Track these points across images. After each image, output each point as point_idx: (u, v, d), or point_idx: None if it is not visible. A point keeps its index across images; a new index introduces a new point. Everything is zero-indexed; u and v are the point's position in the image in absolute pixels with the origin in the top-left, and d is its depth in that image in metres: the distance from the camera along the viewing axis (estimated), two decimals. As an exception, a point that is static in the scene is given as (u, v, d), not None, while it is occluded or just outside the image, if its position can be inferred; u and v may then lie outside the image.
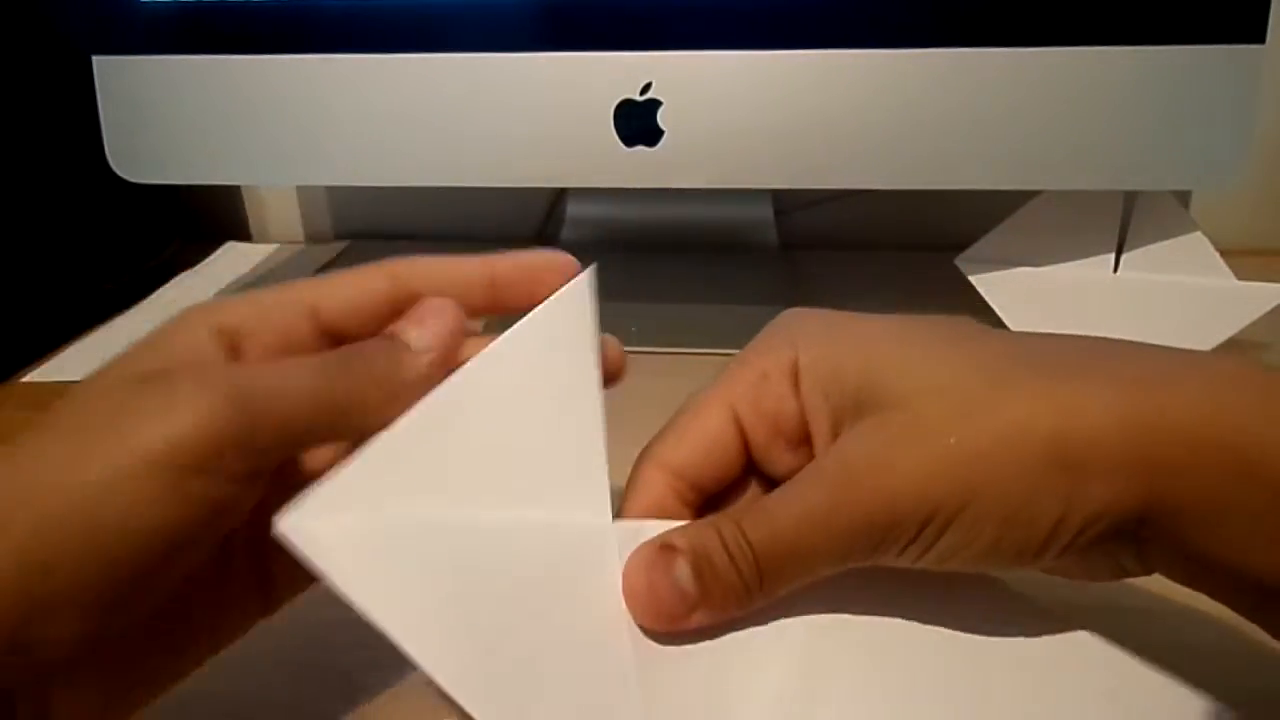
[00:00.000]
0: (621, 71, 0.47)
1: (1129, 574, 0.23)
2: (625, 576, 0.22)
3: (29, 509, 0.18)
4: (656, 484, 0.24)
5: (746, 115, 0.47)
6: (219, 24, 0.49)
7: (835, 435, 0.23)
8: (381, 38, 0.47)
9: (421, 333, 0.23)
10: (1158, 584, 0.28)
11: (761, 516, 0.22)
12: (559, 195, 0.65)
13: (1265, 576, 0.20)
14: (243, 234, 0.73)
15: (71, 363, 0.52)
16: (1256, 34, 0.42)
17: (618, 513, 0.24)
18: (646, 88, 0.47)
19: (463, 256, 0.25)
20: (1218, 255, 0.48)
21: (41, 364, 0.51)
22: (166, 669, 0.22)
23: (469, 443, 0.22)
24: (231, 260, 0.67)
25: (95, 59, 0.50)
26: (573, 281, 0.24)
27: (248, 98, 0.49)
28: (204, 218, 0.70)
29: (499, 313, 0.26)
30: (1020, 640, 0.23)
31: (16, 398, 0.48)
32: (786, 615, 0.23)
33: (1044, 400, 0.20)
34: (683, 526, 0.23)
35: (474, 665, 0.20)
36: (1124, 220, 0.50)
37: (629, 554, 0.23)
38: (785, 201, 0.63)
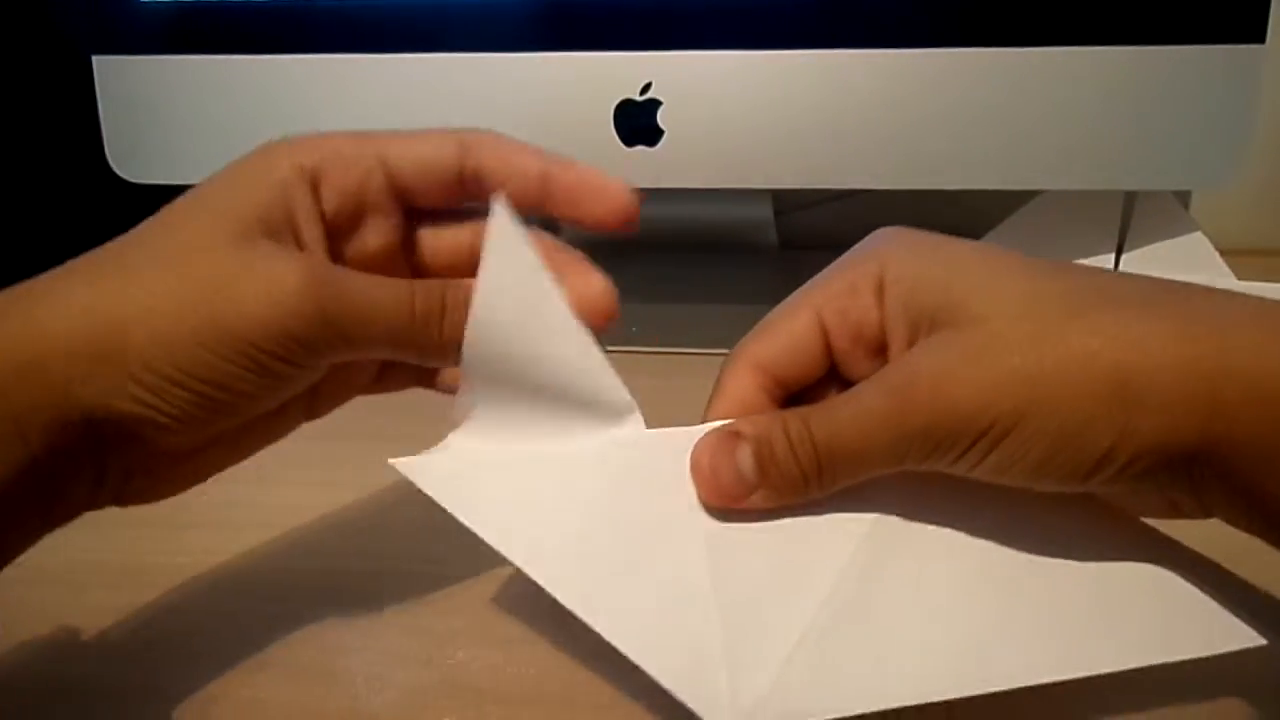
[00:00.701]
0: (621, 71, 0.47)
1: (1183, 513, 0.24)
2: (693, 456, 0.24)
3: (134, 339, 0.21)
4: (745, 378, 0.26)
5: (746, 115, 0.47)
6: (219, 24, 0.49)
7: (909, 346, 0.24)
8: (381, 38, 0.47)
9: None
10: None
11: (827, 414, 0.23)
12: (559, 195, 0.65)
13: None
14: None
15: (71, 363, 0.51)
16: (1256, 34, 0.42)
17: (706, 403, 0.26)
18: (646, 88, 0.47)
19: (526, 147, 0.26)
20: (1218, 255, 0.48)
21: (41, 364, 0.51)
22: (221, 459, 0.26)
23: (504, 396, 0.25)
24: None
25: (95, 59, 0.50)
26: (491, 224, 0.24)
27: (248, 98, 0.49)
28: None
29: (542, 213, 0.26)
30: (1080, 552, 0.24)
31: (16, 398, 0.48)
32: (853, 510, 0.25)
33: (1112, 333, 0.21)
34: (751, 417, 0.24)
35: (561, 562, 0.24)
36: (1124, 220, 0.50)
37: (697, 439, 0.25)
38: (785, 201, 0.63)
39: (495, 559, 0.32)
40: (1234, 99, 0.43)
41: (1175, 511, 0.24)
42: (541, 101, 0.47)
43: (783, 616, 0.24)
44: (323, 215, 0.25)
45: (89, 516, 0.24)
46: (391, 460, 0.24)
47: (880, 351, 0.25)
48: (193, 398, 0.22)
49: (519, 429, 0.26)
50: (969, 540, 0.25)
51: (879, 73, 0.45)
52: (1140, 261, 0.49)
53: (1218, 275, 0.48)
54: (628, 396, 0.26)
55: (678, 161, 0.48)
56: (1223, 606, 0.24)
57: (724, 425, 0.25)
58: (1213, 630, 0.24)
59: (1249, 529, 0.22)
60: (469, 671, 0.28)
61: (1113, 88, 0.43)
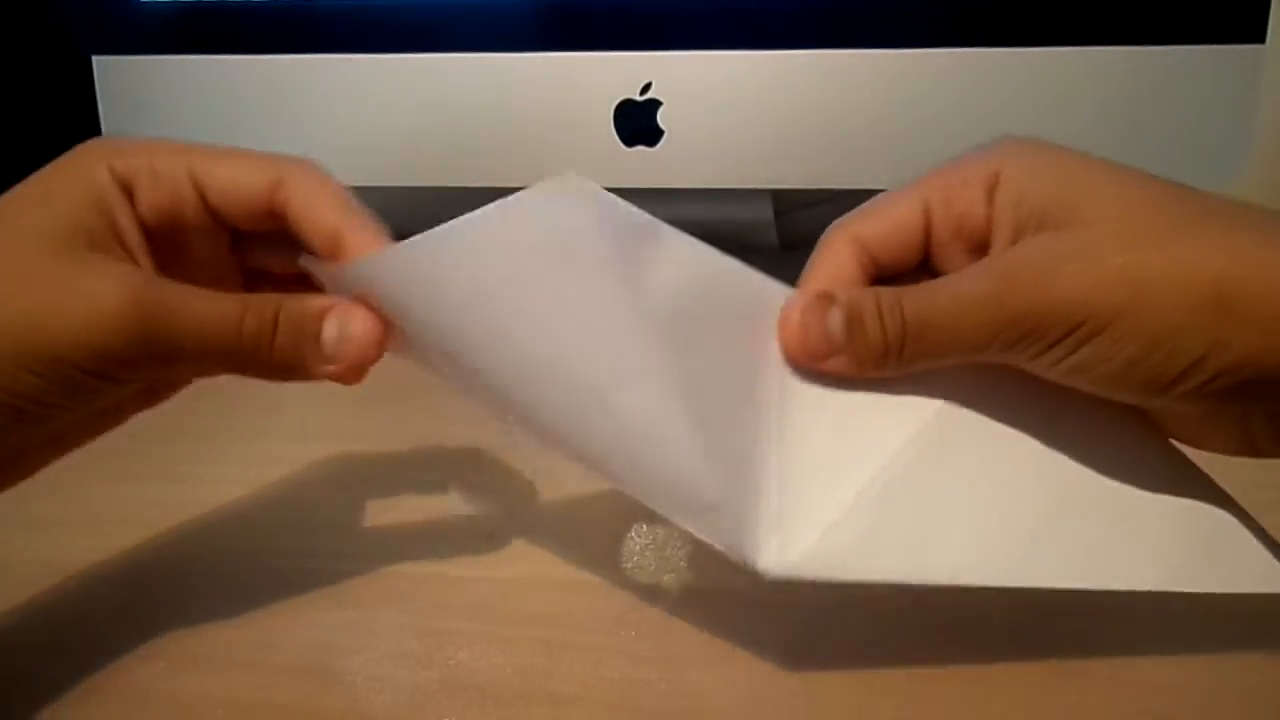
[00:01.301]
0: (621, 71, 0.47)
1: (1258, 449, 0.24)
2: (784, 311, 0.25)
3: None
4: (843, 250, 0.26)
5: (746, 115, 0.47)
6: (219, 24, 0.49)
7: (1015, 244, 0.24)
8: (381, 38, 0.48)
9: (338, 338, 0.24)
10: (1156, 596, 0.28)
11: (922, 292, 0.24)
12: (559, 195, 0.65)
13: None
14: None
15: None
16: (1256, 34, 0.42)
17: (805, 270, 0.26)
18: (646, 88, 0.47)
19: (334, 195, 0.25)
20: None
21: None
22: (45, 455, 0.25)
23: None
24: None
25: (95, 59, 0.50)
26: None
27: (248, 98, 0.49)
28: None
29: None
30: (1134, 475, 0.25)
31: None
32: (924, 394, 0.25)
33: (1219, 245, 0.21)
34: (847, 286, 0.25)
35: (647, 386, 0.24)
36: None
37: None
38: (785, 201, 0.63)
39: (495, 559, 0.32)
40: (1234, 99, 0.43)
41: (1250, 446, 0.24)
42: (541, 101, 0.47)
43: (841, 476, 0.24)
44: (142, 223, 0.24)
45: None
46: None
47: (979, 248, 0.25)
48: (5, 413, 0.21)
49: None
50: (1031, 442, 0.25)
51: (879, 73, 0.45)
52: (1140, 261, 0.49)
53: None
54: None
55: (678, 161, 0.48)
56: (1261, 551, 0.25)
57: (816, 287, 0.25)
58: (1248, 570, 0.25)
59: None
60: (469, 671, 0.28)
61: (1113, 88, 0.43)
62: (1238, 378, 0.21)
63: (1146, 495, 0.25)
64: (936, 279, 0.24)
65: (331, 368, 0.24)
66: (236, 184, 0.25)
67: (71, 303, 0.21)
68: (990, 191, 0.24)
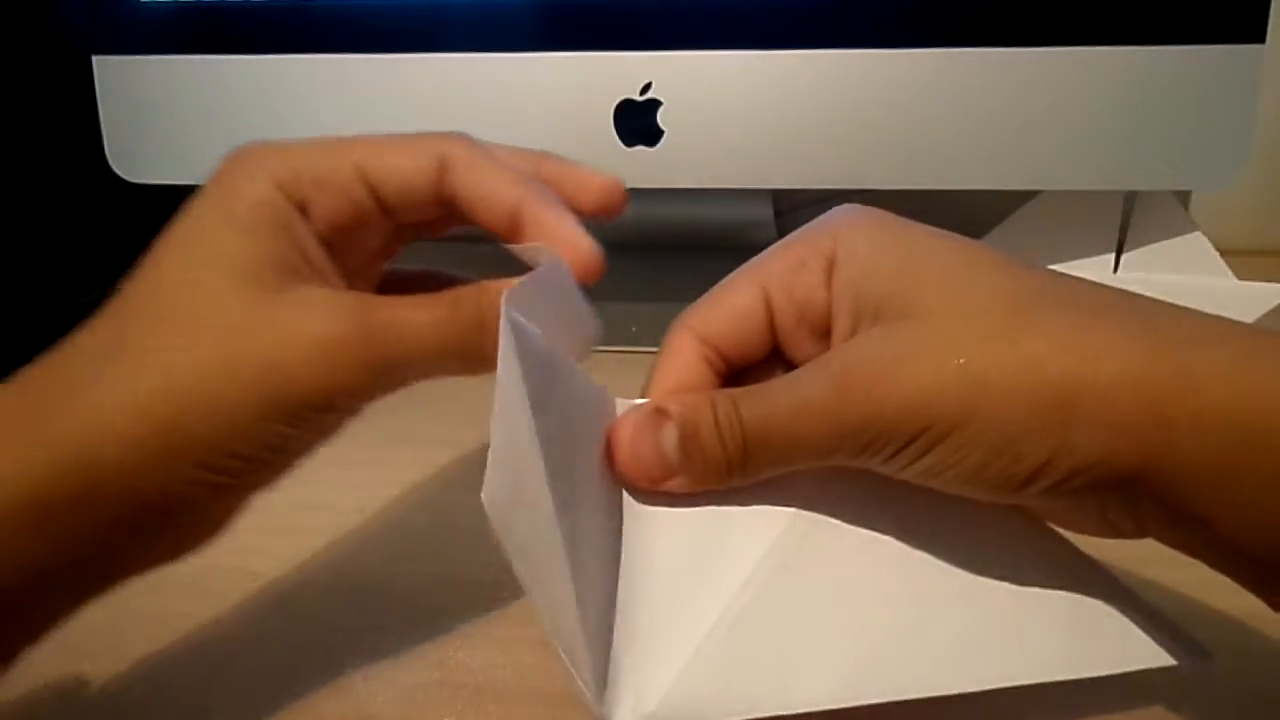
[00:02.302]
0: (621, 71, 0.47)
1: (1120, 532, 0.22)
2: (613, 432, 0.23)
3: (195, 428, 0.20)
4: (687, 348, 0.24)
5: (746, 115, 0.47)
6: (219, 24, 0.49)
7: (854, 333, 0.23)
8: (381, 38, 0.47)
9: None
10: (1139, 588, 0.28)
11: (759, 399, 0.22)
12: (559, 195, 0.65)
13: (1265, 552, 0.20)
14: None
15: (71, 363, 0.51)
16: (1256, 34, 0.42)
17: (649, 372, 0.25)
18: (646, 88, 0.47)
19: (505, 170, 0.24)
20: (1218, 255, 0.48)
21: (41, 364, 0.51)
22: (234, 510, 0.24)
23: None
24: (231, 260, 0.67)
25: (95, 59, 0.50)
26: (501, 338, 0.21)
27: (248, 98, 0.49)
28: (204, 218, 0.70)
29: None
30: (1003, 565, 0.24)
31: (16, 398, 0.48)
32: (774, 502, 0.23)
33: (1065, 342, 0.20)
34: (680, 395, 0.23)
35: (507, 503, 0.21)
36: (1124, 220, 0.50)
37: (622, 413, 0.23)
38: (785, 201, 0.63)
39: (496, 559, 0.32)
40: (1234, 99, 0.43)
41: (1113, 530, 0.23)
42: (541, 101, 0.47)
43: (692, 610, 0.23)
44: (320, 237, 0.24)
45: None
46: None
47: (825, 334, 0.24)
48: (250, 466, 0.21)
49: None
50: (892, 543, 0.24)
51: (879, 73, 0.45)
52: (1140, 261, 0.49)
53: (1218, 275, 0.48)
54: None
55: (678, 161, 0.48)
56: (1141, 627, 0.23)
57: (649, 403, 0.23)
58: (1130, 648, 0.23)
59: (1186, 551, 0.22)
60: (469, 671, 0.28)
61: (1113, 88, 0.43)
62: (1088, 478, 0.20)
63: (1019, 587, 0.24)
64: (775, 381, 0.23)
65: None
66: (405, 176, 0.24)
67: (300, 344, 0.21)
68: (828, 274, 0.23)
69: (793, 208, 0.64)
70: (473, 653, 0.29)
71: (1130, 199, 0.50)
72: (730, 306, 0.24)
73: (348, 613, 0.26)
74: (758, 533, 0.24)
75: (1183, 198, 0.52)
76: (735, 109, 0.47)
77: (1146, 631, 0.23)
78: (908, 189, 0.46)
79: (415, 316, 0.22)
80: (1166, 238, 0.49)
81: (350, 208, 0.23)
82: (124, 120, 0.51)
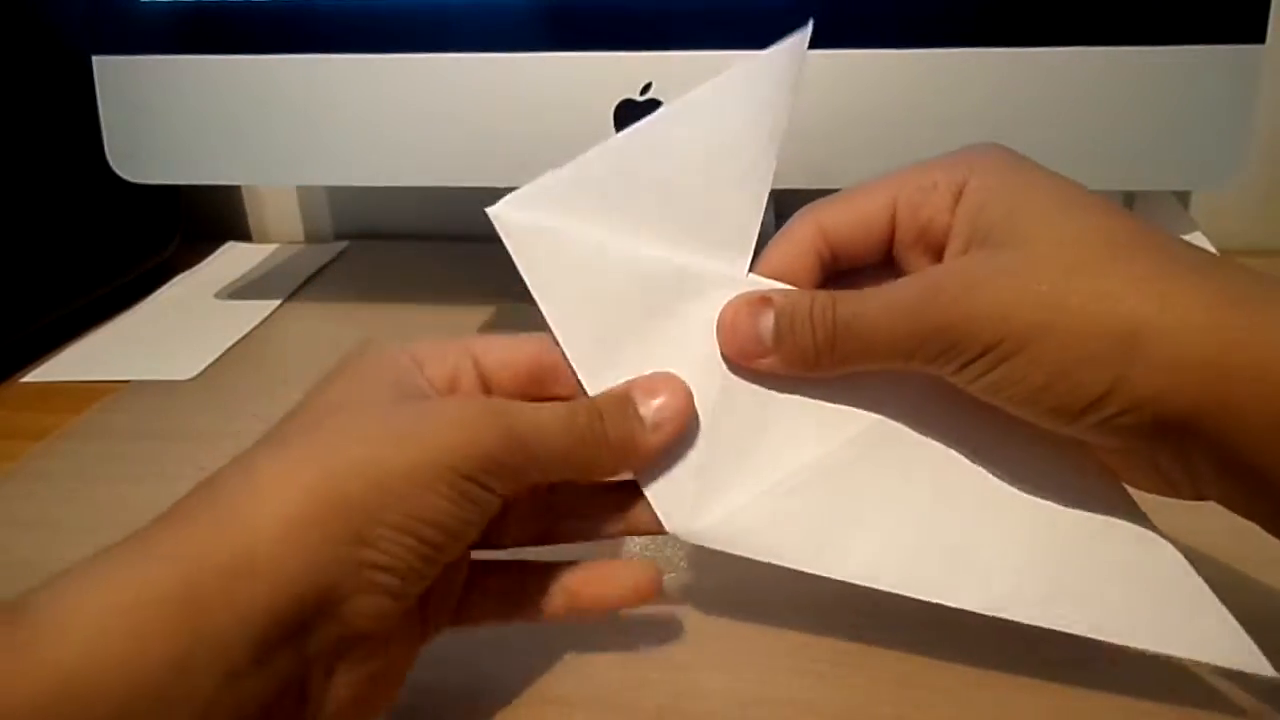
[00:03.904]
0: (621, 71, 0.47)
1: (1176, 488, 0.23)
2: (721, 312, 0.26)
3: (355, 492, 0.21)
4: (805, 236, 0.26)
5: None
6: (219, 24, 0.49)
7: (963, 254, 0.24)
8: (381, 38, 0.47)
9: (656, 407, 0.26)
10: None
11: (855, 299, 0.24)
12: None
13: None
14: (243, 234, 0.73)
15: (71, 363, 0.52)
16: (1256, 34, 0.42)
17: (765, 249, 0.27)
18: (646, 88, 0.47)
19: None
20: (1218, 255, 0.48)
21: (41, 364, 0.51)
22: (402, 662, 0.25)
23: (651, 180, 0.26)
24: (231, 260, 0.67)
25: (95, 59, 0.50)
26: (787, 42, 0.27)
27: (248, 98, 0.49)
28: (204, 218, 0.70)
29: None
30: (1073, 507, 0.25)
31: (16, 398, 0.48)
32: (866, 404, 0.26)
33: (1141, 283, 0.21)
34: (786, 289, 0.26)
35: (594, 349, 0.26)
36: (1124, 220, 0.50)
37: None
38: (785, 202, 0.63)
39: (495, 559, 0.32)
40: (1234, 99, 0.43)
41: (1168, 485, 0.24)
42: (541, 101, 0.47)
43: (763, 468, 0.26)
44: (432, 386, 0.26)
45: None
46: (490, 210, 0.26)
47: (939, 254, 0.25)
48: (413, 543, 0.21)
49: (641, 209, 0.26)
50: (964, 462, 0.26)
51: (879, 73, 0.45)
52: (1140, 261, 0.49)
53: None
54: (750, 251, 0.26)
55: (678, 161, 0.48)
56: (1203, 616, 0.24)
57: (756, 290, 0.26)
58: (1208, 637, 0.24)
59: (1241, 510, 0.22)
60: (470, 672, 0.28)
61: (1113, 88, 0.43)
62: (1141, 416, 0.21)
63: (1082, 534, 0.25)
64: (876, 286, 0.25)
65: (658, 436, 0.26)
66: (506, 351, 0.27)
67: (444, 418, 0.22)
68: (955, 199, 0.25)
69: (793, 208, 0.64)
70: (473, 653, 0.29)
71: (1130, 199, 0.50)
72: (859, 208, 0.26)
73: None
74: (841, 424, 0.26)
75: (1183, 198, 0.52)
76: (735, 109, 0.47)
77: (1207, 623, 0.24)
78: (908, 189, 0.46)
79: (538, 413, 0.24)
80: (1166, 238, 0.49)
81: (455, 373, 0.26)
82: (124, 120, 0.51)
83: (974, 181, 0.24)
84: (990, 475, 0.25)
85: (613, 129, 0.47)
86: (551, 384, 0.27)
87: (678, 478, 0.26)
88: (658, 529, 0.26)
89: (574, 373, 0.26)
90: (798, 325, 0.25)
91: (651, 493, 0.26)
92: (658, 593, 0.26)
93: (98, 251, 0.58)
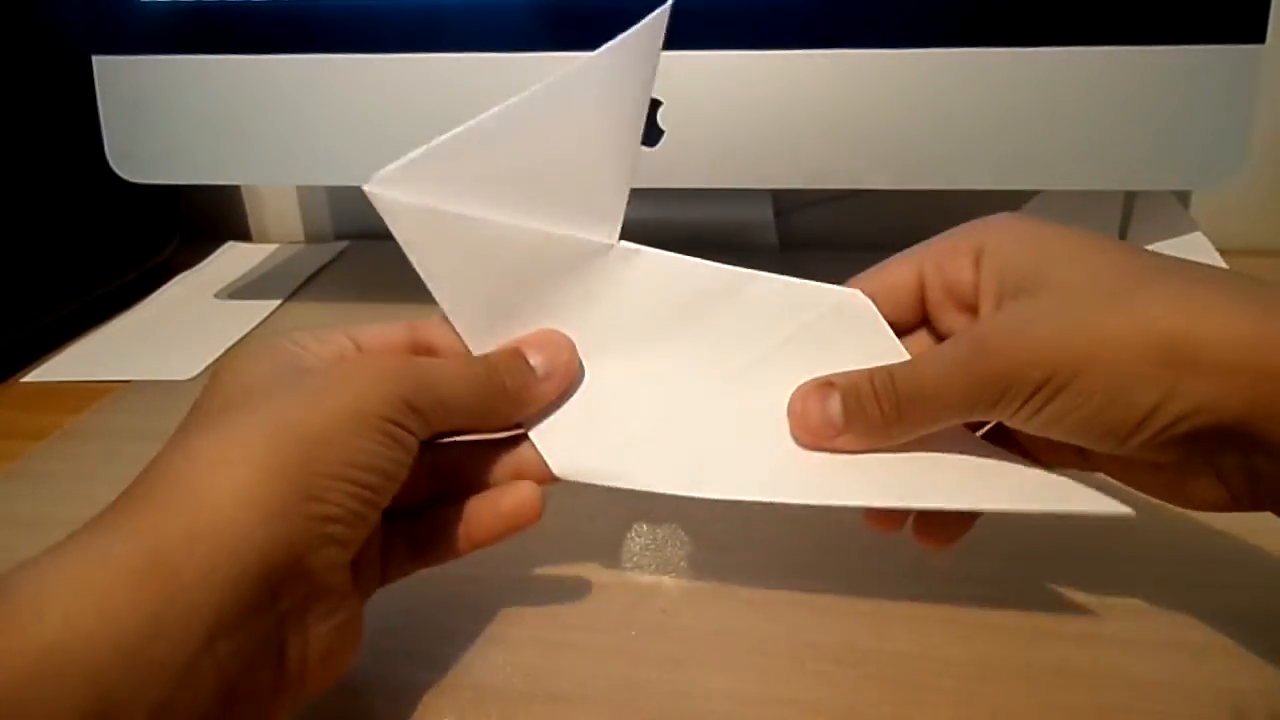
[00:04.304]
0: (621, 71, 0.47)
1: (1237, 499, 0.24)
2: (790, 401, 0.28)
3: (294, 452, 0.22)
4: None
5: (746, 115, 0.47)
6: (219, 24, 0.49)
7: (997, 309, 0.26)
8: (381, 38, 0.48)
9: (545, 359, 0.28)
10: (1137, 588, 0.28)
11: (910, 368, 0.26)
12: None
13: None
14: (243, 234, 0.73)
15: (71, 363, 0.52)
16: (1256, 34, 0.42)
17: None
18: (646, 88, 0.47)
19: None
20: (1218, 255, 0.48)
21: (41, 364, 0.51)
22: (359, 616, 0.25)
23: (523, 155, 0.27)
24: (231, 260, 0.67)
25: (95, 59, 0.50)
26: (648, 19, 0.28)
27: (248, 98, 0.49)
28: (204, 218, 0.70)
29: None
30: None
31: (16, 398, 0.48)
32: (714, 347, 0.29)
33: (1175, 302, 0.23)
34: (846, 370, 0.27)
35: (479, 317, 0.28)
36: (1124, 220, 0.50)
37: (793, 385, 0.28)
38: (785, 201, 0.63)
39: (495, 559, 0.32)
40: (1234, 99, 0.43)
41: (1229, 497, 0.24)
42: (541, 101, 0.47)
43: (636, 403, 0.28)
44: None
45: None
46: (366, 187, 0.26)
47: (969, 309, 0.27)
48: (354, 489, 0.23)
49: (514, 184, 0.27)
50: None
51: (879, 73, 0.45)
52: (1140, 261, 0.49)
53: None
54: (619, 221, 0.28)
55: (678, 161, 0.48)
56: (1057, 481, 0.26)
57: (818, 378, 0.27)
58: (1065, 491, 0.26)
59: None
60: (469, 671, 0.28)
61: (1113, 88, 0.43)
62: (1193, 424, 0.22)
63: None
64: (924, 353, 0.27)
65: (550, 385, 0.28)
66: (382, 333, 0.28)
67: (362, 376, 0.24)
68: (976, 260, 0.26)
69: (793, 208, 0.64)
70: (473, 653, 0.29)
71: (1130, 199, 0.50)
72: (888, 276, 0.28)
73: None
74: (700, 363, 0.29)
75: (1183, 198, 0.52)
76: (735, 109, 0.47)
77: (1064, 484, 0.26)
78: (908, 189, 0.46)
79: (443, 364, 0.26)
80: (1166, 237, 0.49)
81: (340, 351, 0.27)
82: (124, 120, 0.51)
83: (990, 245, 0.26)
84: None
85: (613, 129, 0.47)
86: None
87: (559, 424, 0.28)
88: (546, 473, 0.28)
89: (461, 340, 0.28)
90: (864, 403, 0.26)
91: (537, 439, 0.28)
92: (539, 510, 0.27)
93: (98, 251, 0.58)
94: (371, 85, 0.48)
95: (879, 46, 0.45)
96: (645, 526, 0.34)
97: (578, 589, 0.31)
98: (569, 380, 0.28)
